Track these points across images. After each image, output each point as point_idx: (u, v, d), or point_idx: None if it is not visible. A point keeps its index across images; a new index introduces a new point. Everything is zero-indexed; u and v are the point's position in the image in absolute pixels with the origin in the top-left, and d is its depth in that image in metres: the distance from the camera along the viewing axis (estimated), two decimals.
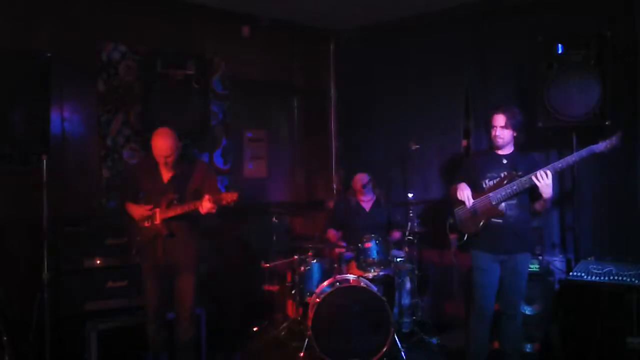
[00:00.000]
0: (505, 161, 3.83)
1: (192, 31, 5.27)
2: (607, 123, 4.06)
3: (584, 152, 3.51)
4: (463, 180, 3.91)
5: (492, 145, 3.90)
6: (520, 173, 3.68)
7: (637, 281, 3.46)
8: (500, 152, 3.87)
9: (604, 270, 3.64)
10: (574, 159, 3.55)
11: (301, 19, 5.91)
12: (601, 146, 3.46)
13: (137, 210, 3.88)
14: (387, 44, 5.95)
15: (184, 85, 4.70)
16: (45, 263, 3.88)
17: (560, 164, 3.57)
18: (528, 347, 4.33)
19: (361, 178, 5.21)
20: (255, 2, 5.31)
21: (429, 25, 5.58)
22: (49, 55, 3.88)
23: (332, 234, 5.30)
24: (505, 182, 3.71)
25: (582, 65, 4.16)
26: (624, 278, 3.52)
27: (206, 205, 3.60)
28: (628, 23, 4.30)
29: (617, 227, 4.44)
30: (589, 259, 3.90)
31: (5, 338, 3.74)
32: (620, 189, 4.46)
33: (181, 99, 4.68)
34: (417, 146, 5.20)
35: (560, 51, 4.28)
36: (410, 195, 5.17)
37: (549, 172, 3.53)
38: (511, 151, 3.87)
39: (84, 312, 4.16)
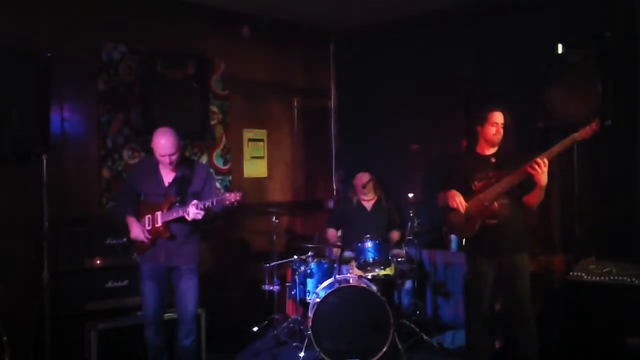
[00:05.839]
0: (493, 160, 3.78)
1: (192, 31, 5.27)
2: (607, 123, 4.06)
3: (566, 141, 3.46)
4: (451, 186, 3.82)
5: (487, 144, 3.81)
6: (507, 170, 3.63)
7: (637, 281, 3.47)
8: (486, 152, 3.82)
9: (604, 270, 3.64)
10: (558, 149, 3.48)
11: (301, 19, 5.92)
12: (582, 133, 3.42)
13: (135, 230, 3.81)
14: (387, 44, 5.95)
15: (184, 85, 4.71)
16: (45, 263, 3.89)
17: (549, 153, 3.49)
18: None
19: (362, 177, 5.21)
20: (255, 2, 5.31)
21: (429, 25, 5.58)
22: (49, 55, 3.89)
23: (332, 233, 5.30)
24: (494, 180, 3.66)
25: (582, 65, 4.16)
26: (624, 278, 3.52)
27: (192, 211, 3.55)
28: (628, 23, 4.30)
29: (617, 227, 4.44)
30: (589, 259, 3.90)
31: (5, 338, 3.74)
32: (621, 189, 4.46)
33: (181, 99, 4.69)
34: (417, 146, 5.19)
35: (560, 51, 4.28)
36: (410, 195, 5.17)
37: (546, 160, 3.44)
38: (496, 150, 3.82)
39: (84, 312, 4.16)
